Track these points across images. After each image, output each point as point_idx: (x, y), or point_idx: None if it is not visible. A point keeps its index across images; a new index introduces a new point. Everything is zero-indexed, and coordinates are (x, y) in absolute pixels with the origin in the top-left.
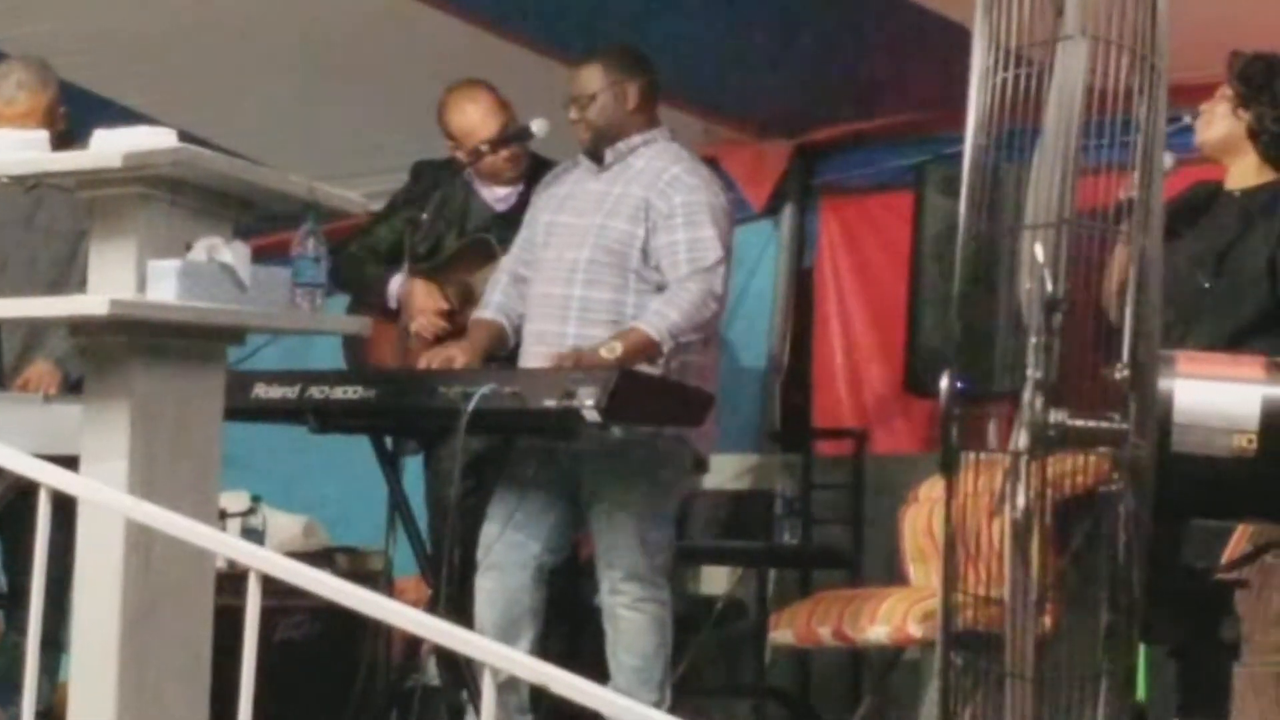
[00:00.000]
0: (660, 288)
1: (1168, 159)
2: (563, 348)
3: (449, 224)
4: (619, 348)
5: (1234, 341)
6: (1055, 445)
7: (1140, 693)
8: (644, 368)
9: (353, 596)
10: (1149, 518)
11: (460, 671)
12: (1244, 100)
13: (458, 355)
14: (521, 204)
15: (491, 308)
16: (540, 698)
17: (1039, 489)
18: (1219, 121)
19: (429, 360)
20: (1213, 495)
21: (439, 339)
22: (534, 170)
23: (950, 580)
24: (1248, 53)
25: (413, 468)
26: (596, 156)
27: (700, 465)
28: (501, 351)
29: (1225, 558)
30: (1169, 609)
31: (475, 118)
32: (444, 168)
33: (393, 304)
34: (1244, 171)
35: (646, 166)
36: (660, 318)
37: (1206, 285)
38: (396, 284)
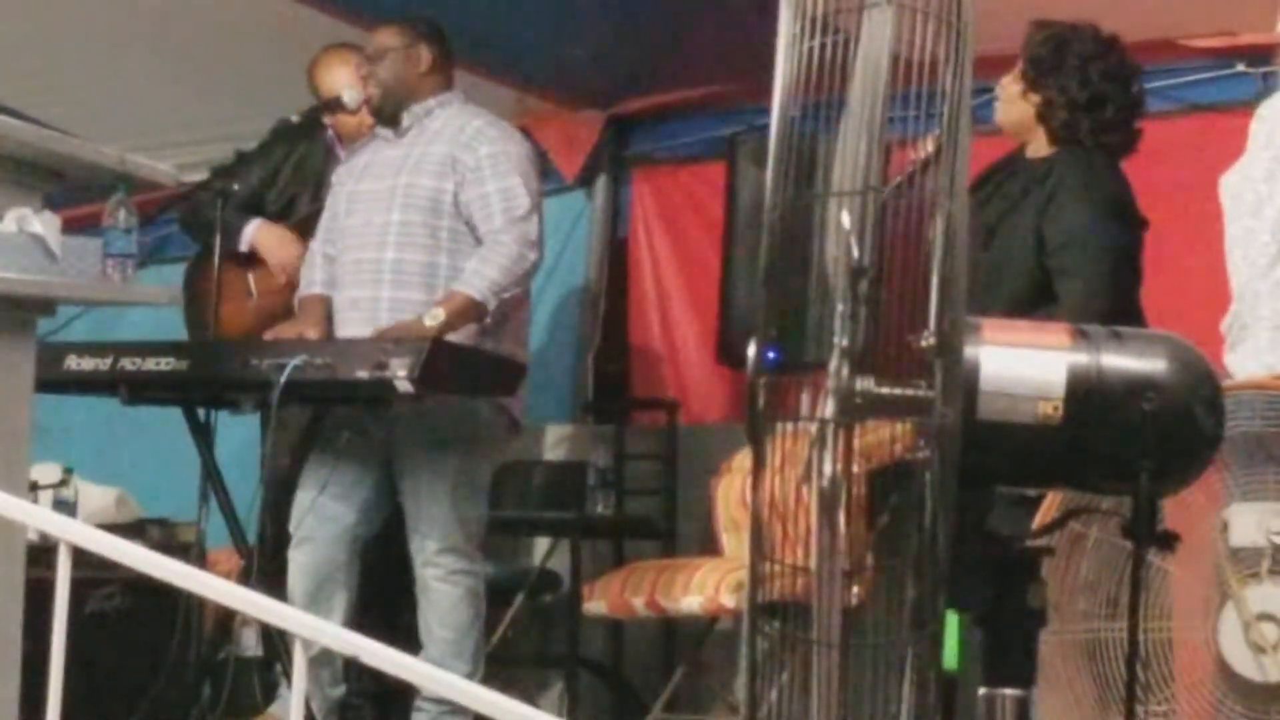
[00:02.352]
0: (478, 241)
1: None
2: (378, 312)
3: (304, 184)
4: (441, 314)
5: (1007, 314)
6: (862, 413)
7: (953, 663)
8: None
9: (163, 568)
10: (955, 485)
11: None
12: (1031, 84)
13: (308, 331)
14: None
15: (317, 285)
16: (359, 672)
17: (846, 457)
18: (1011, 105)
19: (279, 336)
20: (1019, 462)
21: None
22: None
23: (758, 550)
24: (1040, 28)
25: (234, 438)
26: (389, 120)
27: (515, 427)
28: None
29: (1036, 524)
30: (975, 576)
31: (345, 79)
32: (305, 128)
33: (244, 247)
34: (1037, 146)
35: (445, 125)
36: (479, 277)
37: (976, 256)
38: (252, 229)
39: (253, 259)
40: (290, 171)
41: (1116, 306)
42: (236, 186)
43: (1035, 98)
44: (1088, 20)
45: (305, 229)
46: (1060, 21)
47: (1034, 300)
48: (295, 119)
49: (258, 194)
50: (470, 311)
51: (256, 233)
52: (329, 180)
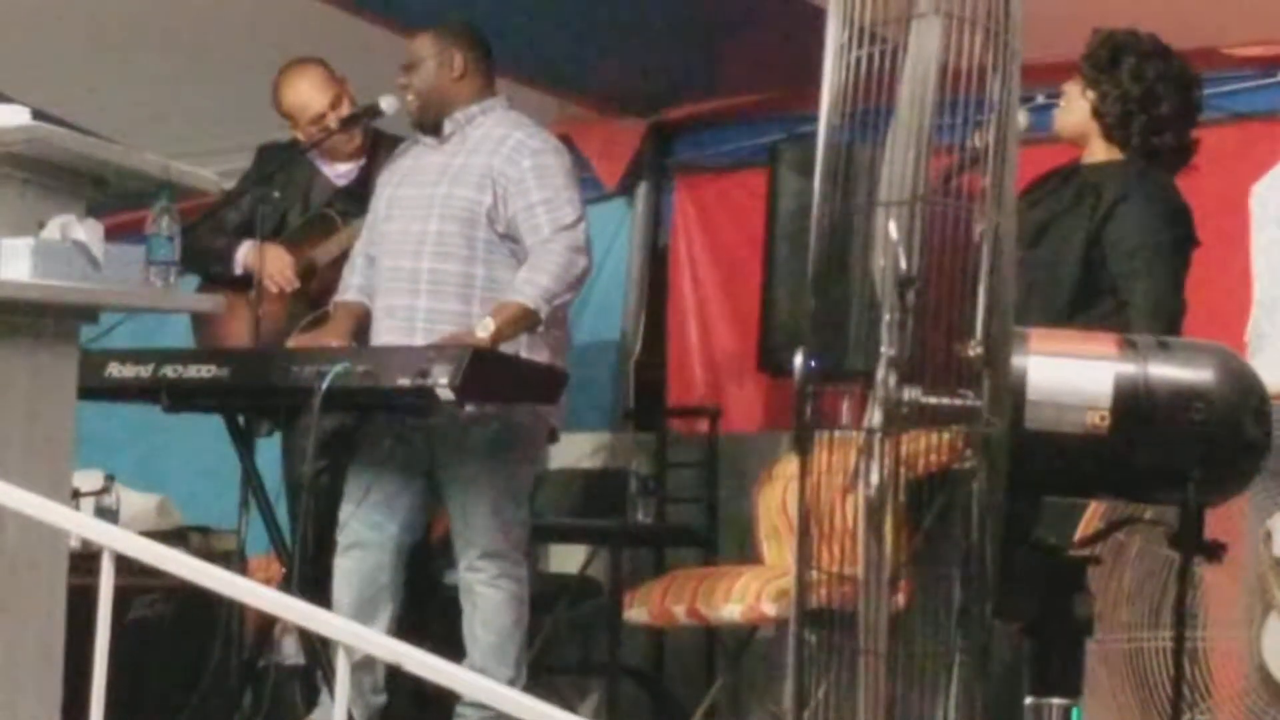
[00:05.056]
0: (514, 255)
1: (1021, 118)
2: (414, 322)
3: (292, 202)
4: (491, 324)
5: (1049, 317)
6: (909, 422)
7: None
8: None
9: (205, 575)
10: (1002, 495)
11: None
12: (1089, 81)
13: (331, 341)
14: (363, 178)
15: (353, 290)
16: (396, 677)
17: (892, 466)
18: (1072, 105)
19: (299, 344)
20: (1066, 472)
21: (296, 306)
22: (374, 145)
23: (804, 558)
24: (1103, 31)
25: (269, 448)
26: (430, 128)
27: (553, 435)
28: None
29: (1079, 534)
30: (1022, 586)
31: (305, 93)
32: (288, 149)
33: (238, 270)
34: (1093, 151)
35: (486, 135)
36: (531, 285)
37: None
38: (244, 251)
39: (250, 280)
40: (278, 191)
41: (1181, 310)
42: (230, 216)
43: (1091, 94)
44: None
45: (295, 241)
46: (1123, 29)
47: (1076, 303)
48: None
49: (249, 219)
50: (524, 319)
51: (246, 255)
52: (315, 194)
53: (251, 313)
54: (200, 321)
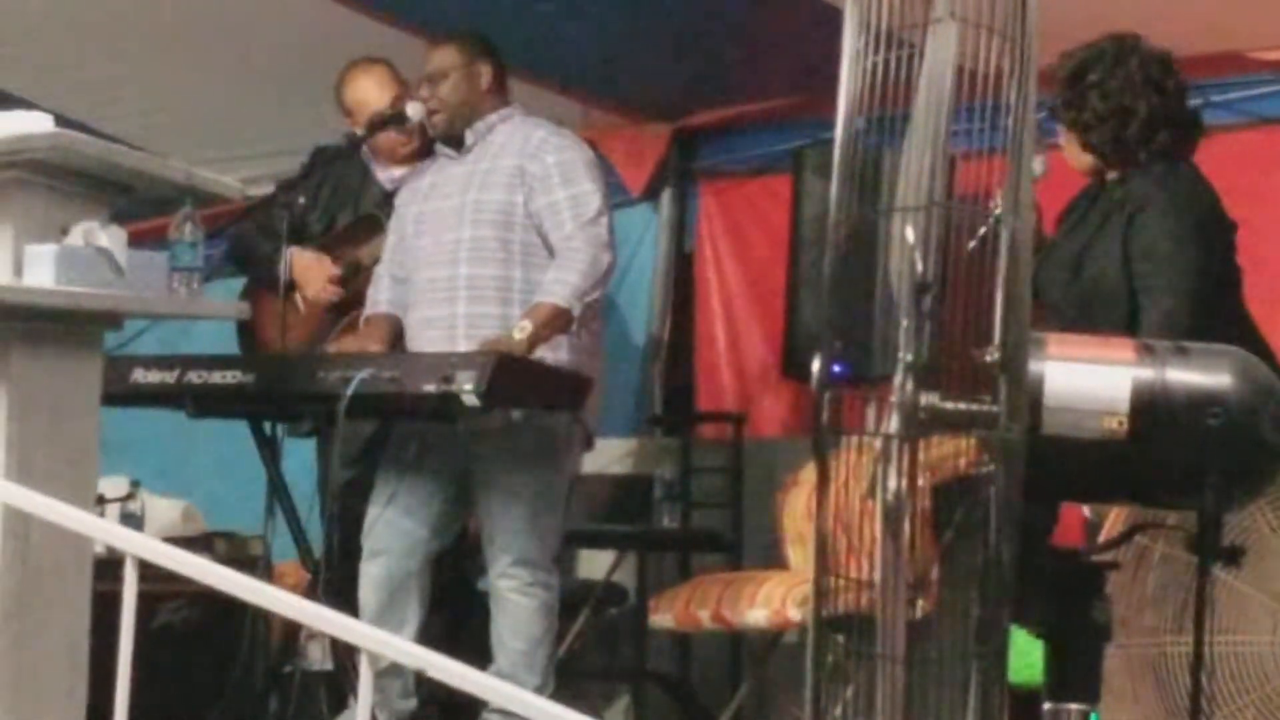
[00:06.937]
0: (549, 252)
1: (1037, 164)
2: (455, 329)
3: (343, 203)
4: (529, 325)
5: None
6: (926, 428)
7: (1033, 676)
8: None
9: (230, 582)
10: (1020, 500)
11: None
12: (1068, 124)
13: (371, 346)
14: None
15: (384, 304)
16: (428, 683)
17: (910, 472)
18: (1071, 148)
19: (342, 350)
20: (1084, 477)
21: (335, 307)
22: (430, 151)
23: (822, 565)
24: (1062, 61)
25: (300, 452)
26: (453, 140)
27: (589, 440)
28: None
29: (1101, 539)
30: (1040, 591)
31: (369, 91)
32: (342, 149)
33: (285, 276)
34: (1111, 171)
35: (509, 138)
36: (561, 284)
37: (1060, 292)
38: (289, 256)
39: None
40: (329, 193)
41: (1199, 323)
42: (276, 213)
43: (1074, 134)
44: (1144, 32)
45: (341, 242)
46: (1081, 46)
47: (1137, 313)
48: (346, 138)
49: (301, 219)
50: (557, 319)
51: (293, 261)
52: (366, 197)
53: (279, 318)
54: (244, 327)
